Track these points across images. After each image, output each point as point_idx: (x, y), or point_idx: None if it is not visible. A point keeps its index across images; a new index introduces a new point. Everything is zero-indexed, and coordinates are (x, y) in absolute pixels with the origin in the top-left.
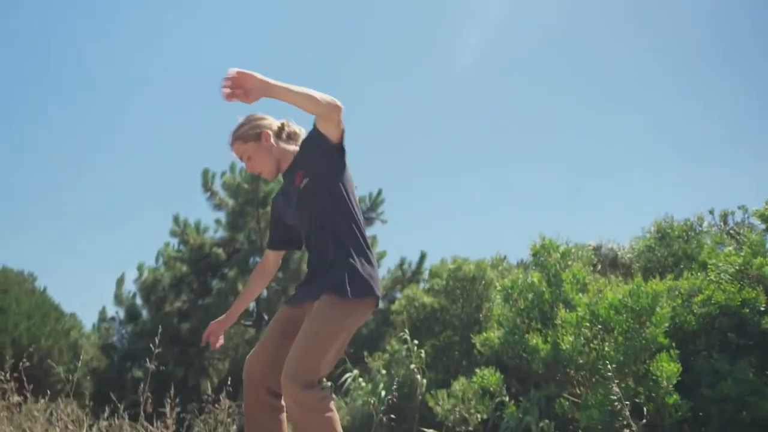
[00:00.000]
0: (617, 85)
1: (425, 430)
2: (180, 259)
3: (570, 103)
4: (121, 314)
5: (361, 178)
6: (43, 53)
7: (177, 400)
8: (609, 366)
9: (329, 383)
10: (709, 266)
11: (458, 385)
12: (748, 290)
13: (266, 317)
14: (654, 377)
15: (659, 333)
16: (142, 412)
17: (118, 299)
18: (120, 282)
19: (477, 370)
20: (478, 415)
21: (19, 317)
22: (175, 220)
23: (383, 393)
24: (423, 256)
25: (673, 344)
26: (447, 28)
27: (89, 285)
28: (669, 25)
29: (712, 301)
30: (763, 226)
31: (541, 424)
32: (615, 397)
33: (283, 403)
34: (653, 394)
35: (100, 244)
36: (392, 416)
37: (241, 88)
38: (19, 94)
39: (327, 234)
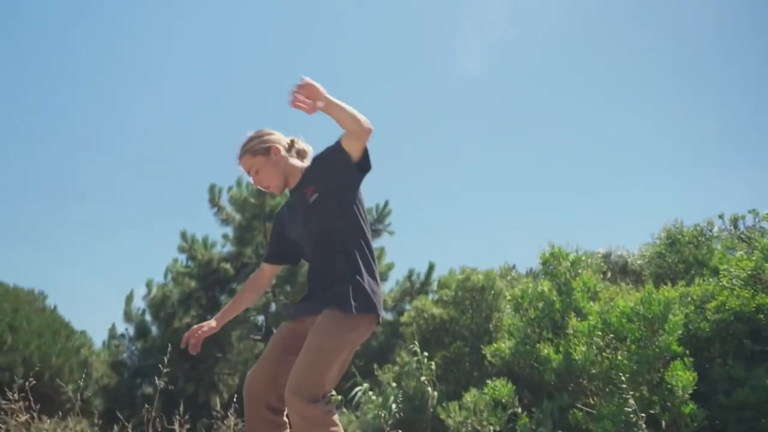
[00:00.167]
0: (624, 89)
1: None
2: (188, 275)
3: (577, 108)
4: (131, 331)
5: (367, 189)
6: (50, 76)
7: (187, 416)
8: (623, 376)
9: (339, 397)
10: (720, 272)
11: (470, 396)
12: (762, 296)
13: (275, 332)
14: (669, 386)
15: (672, 341)
16: (150, 430)
17: (127, 316)
18: (129, 299)
19: (488, 382)
20: (491, 427)
21: (30, 336)
22: (183, 236)
23: (394, 406)
24: (431, 267)
25: (687, 352)
26: (449, 36)
27: (99, 303)
28: (674, 27)
29: (726, 307)
30: None
31: None
32: (630, 409)
33: (284, 419)
34: (668, 404)
35: (110, 262)
36: (402, 430)
37: (308, 99)
38: (30, 112)
39: (335, 249)
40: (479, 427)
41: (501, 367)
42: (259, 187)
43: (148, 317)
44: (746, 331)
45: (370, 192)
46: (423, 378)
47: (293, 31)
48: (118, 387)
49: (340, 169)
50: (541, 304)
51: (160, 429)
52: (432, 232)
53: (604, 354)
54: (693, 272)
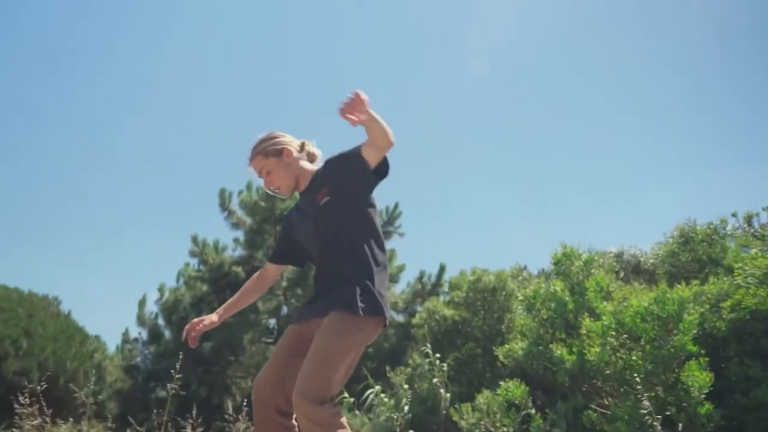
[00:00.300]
0: (634, 88)
1: None
2: (200, 279)
3: (586, 108)
4: (144, 335)
5: (377, 191)
6: (59, 85)
7: (200, 419)
8: (637, 377)
9: (352, 399)
10: (735, 270)
11: (482, 398)
12: None
13: (282, 335)
14: (684, 386)
15: (688, 340)
16: None
17: (140, 320)
18: (142, 303)
19: (501, 383)
20: (504, 429)
21: (45, 341)
22: (194, 240)
23: (406, 408)
24: (442, 269)
25: (703, 352)
26: (457, 37)
27: (113, 307)
28: (681, 25)
29: (742, 306)
30: None
31: None
32: (645, 411)
33: (293, 422)
34: (684, 404)
35: (123, 267)
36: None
37: (356, 112)
38: (42, 117)
39: (343, 251)
40: (492, 429)
41: (514, 368)
42: (269, 189)
43: (160, 321)
44: (763, 329)
45: (380, 194)
46: (435, 380)
47: (300, 34)
48: (132, 391)
49: (358, 175)
50: (553, 305)
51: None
52: (442, 234)
53: (618, 354)
54: (707, 271)
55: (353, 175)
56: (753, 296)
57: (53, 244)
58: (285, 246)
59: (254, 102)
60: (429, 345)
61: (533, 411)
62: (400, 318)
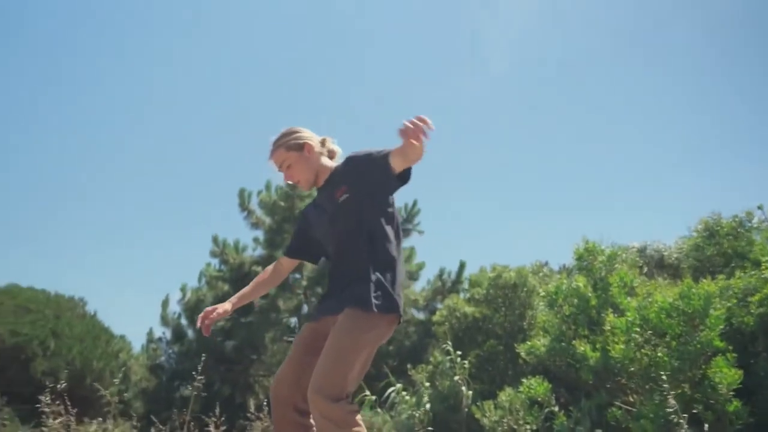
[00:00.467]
0: (657, 80)
1: None
2: (221, 279)
3: (607, 102)
4: (168, 335)
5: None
6: (82, 91)
7: (223, 418)
8: (663, 375)
9: (374, 397)
10: (762, 263)
11: (505, 395)
12: None
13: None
14: (712, 383)
15: (714, 336)
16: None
17: (164, 320)
18: (165, 303)
19: (523, 380)
20: (527, 427)
21: (72, 341)
22: (215, 240)
23: (428, 406)
24: (462, 266)
25: (730, 347)
26: (475, 35)
27: (138, 307)
28: (705, 16)
29: None
30: None
31: None
32: (671, 409)
33: (311, 421)
34: (712, 402)
35: (147, 268)
36: (437, 430)
37: (415, 136)
38: (68, 124)
39: (359, 249)
40: (515, 427)
41: (536, 365)
42: (289, 182)
43: (183, 321)
44: None
45: (400, 191)
46: (457, 377)
47: (320, 34)
48: (156, 390)
49: (381, 179)
50: (576, 301)
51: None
52: (462, 231)
53: (642, 351)
54: (733, 265)
55: (375, 178)
56: None
57: (79, 247)
58: (300, 241)
59: (275, 102)
60: (450, 342)
61: (556, 408)
62: (420, 316)
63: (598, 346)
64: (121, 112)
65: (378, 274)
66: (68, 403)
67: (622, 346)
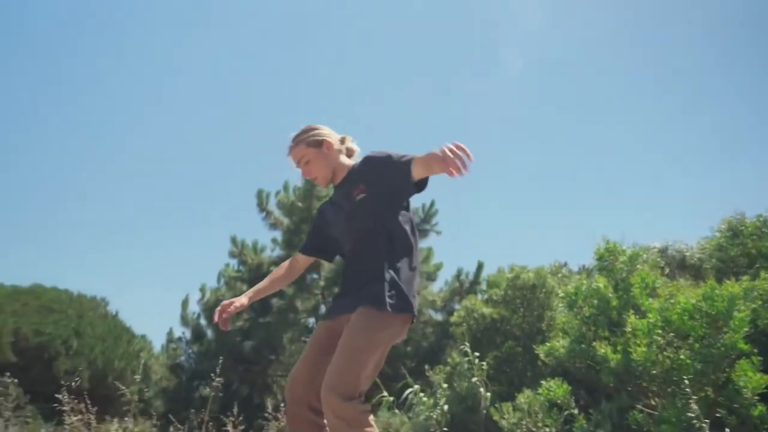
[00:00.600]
0: (675, 78)
1: None
2: (240, 279)
3: (625, 101)
4: (188, 335)
5: None
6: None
7: (241, 417)
8: (686, 378)
9: (391, 398)
10: None
11: (523, 397)
12: None
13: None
14: (736, 387)
15: (738, 338)
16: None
17: (184, 320)
18: (185, 304)
19: (542, 382)
20: (546, 429)
21: (94, 340)
22: (233, 241)
23: (446, 407)
24: (480, 266)
25: (755, 350)
26: (491, 36)
27: (158, 308)
28: (731, 11)
29: None
30: None
31: None
32: (693, 415)
33: (325, 420)
34: (735, 406)
35: (167, 268)
36: (455, 431)
37: (455, 166)
38: (87, 125)
39: (374, 248)
40: (534, 429)
41: (555, 367)
42: (306, 178)
43: (203, 321)
44: None
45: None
46: (474, 378)
47: (335, 34)
48: (176, 389)
49: (399, 183)
50: (596, 301)
51: (213, 431)
52: (480, 231)
53: (665, 353)
54: (758, 266)
55: (394, 181)
56: None
57: (102, 247)
58: (317, 238)
59: (294, 103)
60: (468, 343)
61: (576, 411)
62: (438, 316)
63: (619, 348)
64: (141, 113)
65: (393, 273)
66: (88, 401)
67: (644, 349)
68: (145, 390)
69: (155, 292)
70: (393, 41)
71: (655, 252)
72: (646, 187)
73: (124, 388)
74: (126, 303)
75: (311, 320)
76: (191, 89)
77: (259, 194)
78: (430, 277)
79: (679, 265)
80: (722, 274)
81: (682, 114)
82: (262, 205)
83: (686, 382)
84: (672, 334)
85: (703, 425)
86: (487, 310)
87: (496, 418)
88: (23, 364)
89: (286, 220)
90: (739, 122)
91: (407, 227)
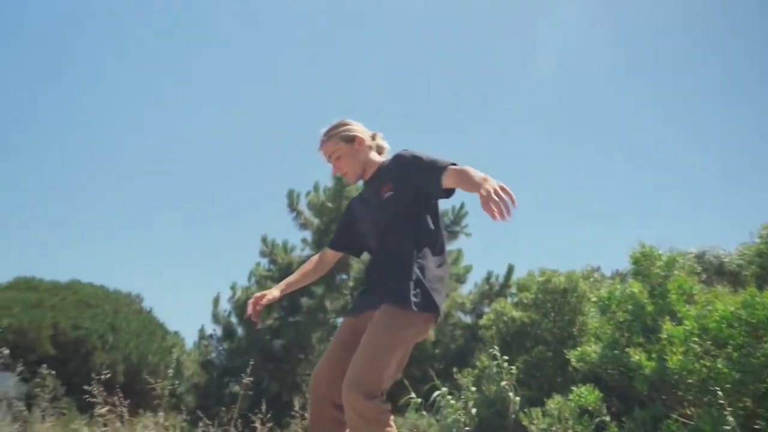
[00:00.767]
0: (713, 82)
1: None
2: (270, 278)
3: (661, 106)
4: (219, 332)
5: None
6: (123, 93)
7: (269, 414)
8: (721, 389)
9: (419, 400)
10: None
11: (553, 403)
12: None
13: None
14: None
15: None
16: (233, 428)
17: (215, 318)
18: (216, 301)
19: (573, 388)
20: None
21: (129, 335)
22: (264, 240)
23: (474, 410)
24: (510, 269)
25: None
26: (525, 37)
27: (190, 305)
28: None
29: None
30: None
31: None
32: (729, 427)
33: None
34: None
35: (199, 266)
36: None
37: (499, 210)
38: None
39: (401, 246)
40: None
41: (586, 372)
42: (336, 176)
43: (233, 319)
44: None
45: None
46: (504, 382)
47: (366, 34)
48: (207, 385)
49: (428, 187)
50: (630, 307)
51: (241, 428)
52: (510, 234)
53: (701, 362)
54: None
55: (423, 184)
56: None
57: (136, 245)
58: (345, 234)
59: (326, 104)
60: (497, 347)
61: (608, 418)
62: (467, 319)
63: (653, 355)
64: (166, 117)
65: (418, 271)
66: (120, 395)
67: (680, 356)
68: (177, 385)
69: (188, 290)
70: (425, 39)
71: (691, 257)
72: (683, 193)
73: (156, 382)
74: (160, 300)
75: (340, 320)
76: (229, 89)
77: (290, 194)
78: (460, 279)
79: (716, 272)
80: (763, 281)
81: (722, 116)
82: (292, 206)
83: (721, 393)
84: (709, 342)
85: None
86: (516, 314)
87: (525, 423)
88: (62, 357)
89: (316, 221)
90: None
91: (434, 226)
